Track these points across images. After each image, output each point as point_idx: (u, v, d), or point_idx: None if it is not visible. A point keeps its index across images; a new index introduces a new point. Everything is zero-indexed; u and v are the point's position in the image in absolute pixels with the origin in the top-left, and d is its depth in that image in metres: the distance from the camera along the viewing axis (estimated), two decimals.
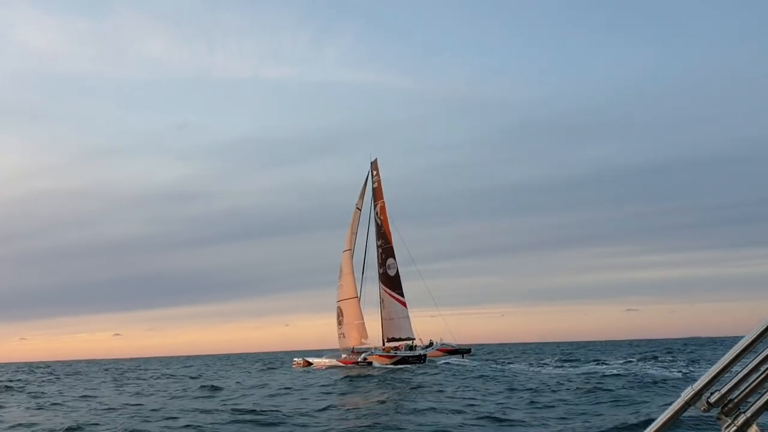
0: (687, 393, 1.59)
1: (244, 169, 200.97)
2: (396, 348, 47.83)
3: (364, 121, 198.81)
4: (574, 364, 40.99)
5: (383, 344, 48.83)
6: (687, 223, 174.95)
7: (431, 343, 49.40)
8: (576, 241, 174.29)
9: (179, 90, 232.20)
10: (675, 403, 1.61)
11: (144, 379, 39.85)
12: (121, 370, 62.70)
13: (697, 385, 1.59)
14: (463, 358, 50.00)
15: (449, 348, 50.81)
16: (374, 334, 49.17)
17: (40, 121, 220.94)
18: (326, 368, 46.00)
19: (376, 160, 52.57)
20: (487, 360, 49.73)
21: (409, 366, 42.41)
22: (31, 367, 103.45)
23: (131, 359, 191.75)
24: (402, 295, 49.47)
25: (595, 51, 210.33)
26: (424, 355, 46.33)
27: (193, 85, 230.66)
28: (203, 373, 47.77)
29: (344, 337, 48.78)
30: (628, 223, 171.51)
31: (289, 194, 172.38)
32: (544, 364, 41.88)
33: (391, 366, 43.31)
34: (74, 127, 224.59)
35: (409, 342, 48.41)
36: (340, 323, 49.30)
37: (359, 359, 46.22)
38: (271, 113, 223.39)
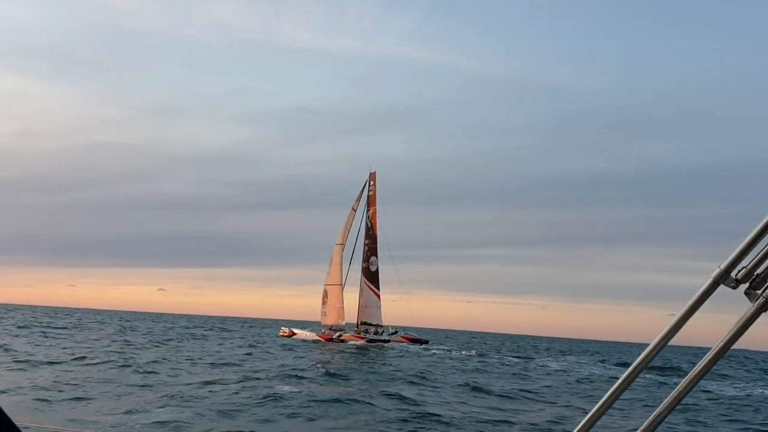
0: (715, 272, 1.59)
1: (301, 138, 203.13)
2: (366, 331, 57.54)
3: (422, 99, 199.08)
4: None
5: (357, 326, 58.63)
6: (745, 230, 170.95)
7: (396, 331, 58.60)
8: (629, 239, 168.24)
9: (243, 54, 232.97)
10: (705, 284, 1.60)
11: None
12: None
13: (725, 263, 1.58)
14: (421, 346, 58.98)
15: (411, 336, 59.89)
16: (352, 316, 59.17)
17: (106, 74, 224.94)
18: (306, 340, 56.05)
19: (375, 172, 62.01)
20: None
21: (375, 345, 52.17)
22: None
23: (176, 315, 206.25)
24: (378, 288, 59.06)
25: (662, 46, 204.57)
26: (389, 340, 55.87)
27: (257, 51, 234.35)
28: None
29: (325, 315, 58.65)
30: (684, 224, 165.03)
31: (342, 167, 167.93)
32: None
33: (360, 345, 53.00)
34: (138, 83, 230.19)
35: (379, 329, 58.09)
36: (324, 303, 59.16)
37: (335, 336, 56.07)
38: (331, 84, 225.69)
